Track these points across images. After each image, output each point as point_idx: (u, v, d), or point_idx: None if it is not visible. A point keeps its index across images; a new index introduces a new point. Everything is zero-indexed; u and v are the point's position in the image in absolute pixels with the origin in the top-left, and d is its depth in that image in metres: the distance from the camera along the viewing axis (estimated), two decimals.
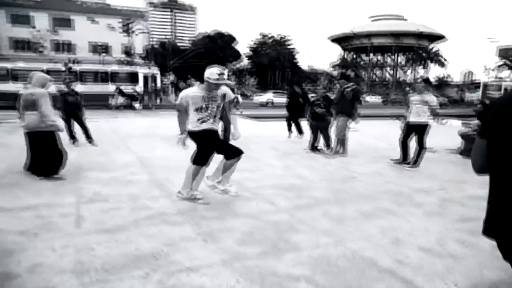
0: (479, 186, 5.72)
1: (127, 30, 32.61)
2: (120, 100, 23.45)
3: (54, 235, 3.55)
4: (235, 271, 2.93)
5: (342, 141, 7.97)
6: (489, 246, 3.46)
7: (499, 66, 61.00)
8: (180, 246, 3.36)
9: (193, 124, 4.45)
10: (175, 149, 8.52)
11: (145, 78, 27.38)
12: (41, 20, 41.79)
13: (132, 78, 26.63)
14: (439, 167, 7.12)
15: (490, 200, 1.54)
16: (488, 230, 1.56)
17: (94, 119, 14.29)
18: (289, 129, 10.97)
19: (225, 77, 4.35)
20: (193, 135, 4.52)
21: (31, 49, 40.63)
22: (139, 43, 42.34)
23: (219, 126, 4.63)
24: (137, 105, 22.72)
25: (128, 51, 36.15)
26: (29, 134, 5.59)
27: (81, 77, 24.94)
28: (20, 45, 41.26)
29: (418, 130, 6.90)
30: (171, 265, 3.00)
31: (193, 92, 4.42)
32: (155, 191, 5.14)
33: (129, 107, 23.47)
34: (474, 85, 37.57)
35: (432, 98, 6.79)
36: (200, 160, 4.56)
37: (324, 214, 4.28)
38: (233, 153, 4.53)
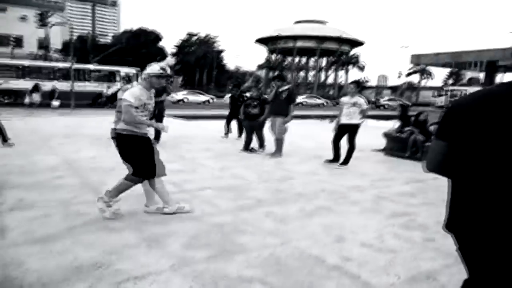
0: (404, 183, 6.16)
1: (42, 22, 30.07)
2: (36, 97, 21.74)
3: None
4: (186, 277, 2.84)
5: (281, 142, 8.09)
6: (421, 239, 3.74)
7: (412, 72, 66.38)
8: (123, 254, 3.18)
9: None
10: (105, 150, 8.12)
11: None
12: None
13: (110, 77, 26.71)
14: (367, 166, 7.53)
15: (452, 199, 1.63)
16: (450, 225, 1.65)
17: (8, 118, 13.11)
18: (227, 129, 11.05)
19: (168, 71, 4.10)
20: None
21: None
22: (57, 37, 39.46)
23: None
24: (55, 102, 21.16)
25: (44, 45, 33.47)
26: None
27: (55, 75, 25.24)
28: None
29: (349, 131, 7.24)
30: (116, 275, 2.82)
31: (139, 89, 4.01)
32: (89, 195, 4.82)
33: (47, 105, 21.83)
34: (440, 90, 41.98)
35: (362, 100, 7.17)
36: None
37: (268, 214, 4.31)
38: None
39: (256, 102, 8.75)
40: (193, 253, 3.25)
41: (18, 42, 37.76)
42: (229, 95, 12.58)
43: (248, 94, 10.16)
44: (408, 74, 70.65)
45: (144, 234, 3.62)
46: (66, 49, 41.14)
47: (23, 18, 35.51)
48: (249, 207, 4.60)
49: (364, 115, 7.18)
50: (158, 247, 3.34)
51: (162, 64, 4.09)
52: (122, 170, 5.90)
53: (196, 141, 10.22)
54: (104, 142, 9.15)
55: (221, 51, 76.22)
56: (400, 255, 3.38)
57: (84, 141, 9.25)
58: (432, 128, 8.52)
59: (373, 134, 10.53)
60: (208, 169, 6.65)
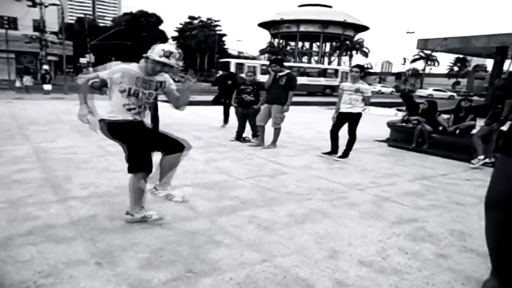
0: (410, 180, 5.51)
1: (33, 2, 28.99)
2: (28, 81, 21.03)
3: None
4: None
5: (277, 132, 7.42)
6: (432, 255, 3.10)
7: (417, 58, 65.42)
8: (64, 275, 2.55)
9: (114, 111, 3.29)
10: (85, 138, 7.48)
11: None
12: None
13: (336, 74, 37.13)
14: (369, 159, 6.87)
15: None
16: None
17: None
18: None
19: (174, 59, 3.22)
20: (113, 127, 3.31)
21: None
22: (52, 18, 38.40)
23: (147, 118, 3.47)
24: (47, 86, 20.45)
25: (39, 27, 32.44)
26: None
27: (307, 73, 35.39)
28: None
29: (349, 120, 6.57)
30: None
31: (129, 68, 3.25)
32: (47, 194, 4.18)
33: (39, 89, 21.15)
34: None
35: (365, 87, 6.48)
36: (137, 163, 3.34)
37: (251, 220, 3.68)
38: (174, 147, 3.38)
39: (251, 88, 8.07)
40: (150, 274, 2.62)
41: (13, 23, 36.67)
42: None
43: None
44: (413, 61, 69.49)
45: (98, 246, 2.99)
46: (62, 32, 40.23)
47: None
48: (231, 210, 3.96)
49: (367, 102, 6.50)
50: (108, 266, 2.71)
51: (170, 47, 3.23)
52: (95, 163, 5.33)
53: (187, 128, 9.57)
54: (85, 130, 8.50)
55: (222, 35, 75.13)
56: (407, 278, 2.74)
57: (64, 129, 8.61)
58: (441, 118, 7.83)
59: (375, 122, 9.86)
60: (191, 161, 5.99)
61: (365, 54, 73.41)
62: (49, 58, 33.92)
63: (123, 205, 3.89)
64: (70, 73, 37.40)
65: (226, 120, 10.23)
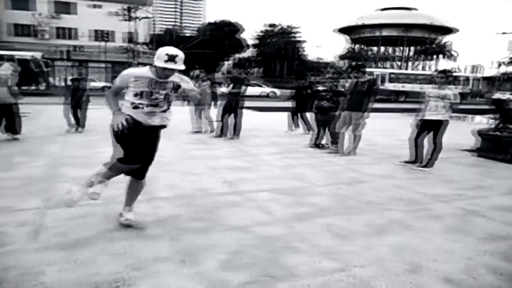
0: (502, 194, 5.08)
1: (129, 16, 31.64)
2: None
3: (3, 251, 2.95)
4: None
5: (357, 139, 7.25)
6: None
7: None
8: (150, 270, 2.74)
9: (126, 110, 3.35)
10: (170, 142, 7.95)
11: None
12: (42, 4, 40.56)
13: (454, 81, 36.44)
14: (455, 170, 6.45)
15: None
16: None
17: (98, 107, 13.75)
18: (294, 123, 10.41)
19: (177, 63, 3.12)
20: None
21: (31, 34, 39.67)
22: (143, 31, 41.42)
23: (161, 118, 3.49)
24: None
25: (131, 39, 35.25)
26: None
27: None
28: (20, 30, 40.26)
29: (434, 128, 6.23)
30: None
31: (141, 72, 3.24)
32: None
33: None
34: None
35: (451, 92, 6.12)
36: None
37: (328, 228, 3.65)
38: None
39: (329, 95, 8.01)
40: (230, 275, 2.72)
41: (111, 36, 40.24)
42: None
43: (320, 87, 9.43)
44: (510, 63, 63.71)
45: (180, 245, 3.17)
46: (152, 42, 43.12)
47: (115, 13, 37.51)
48: (308, 216, 3.96)
49: (453, 109, 6.13)
50: (191, 264, 2.86)
51: (174, 50, 3.17)
52: (178, 165, 5.63)
53: (265, 134, 9.74)
54: (173, 135, 9.02)
55: (301, 42, 75.22)
56: None
57: None
58: None
59: (462, 131, 9.23)
60: (269, 167, 6.09)
61: (453, 58, 68.95)
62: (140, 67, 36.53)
63: (205, 206, 4.11)
64: None
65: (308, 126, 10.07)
